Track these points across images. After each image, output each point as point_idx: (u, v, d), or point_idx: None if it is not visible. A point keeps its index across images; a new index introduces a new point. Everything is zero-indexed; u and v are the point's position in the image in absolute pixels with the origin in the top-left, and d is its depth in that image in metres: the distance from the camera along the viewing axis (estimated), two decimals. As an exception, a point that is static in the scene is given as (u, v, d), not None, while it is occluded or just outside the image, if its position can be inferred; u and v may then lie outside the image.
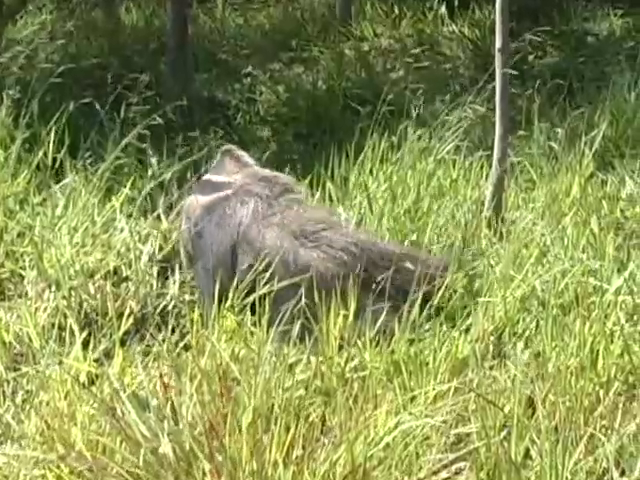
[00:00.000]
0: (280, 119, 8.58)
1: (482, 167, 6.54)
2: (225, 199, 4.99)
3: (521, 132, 7.15)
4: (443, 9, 10.39)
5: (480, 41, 9.75)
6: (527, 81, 8.55)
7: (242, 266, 4.73)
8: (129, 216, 5.53)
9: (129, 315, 4.75)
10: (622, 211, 6.01)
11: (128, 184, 5.82)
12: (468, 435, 3.99)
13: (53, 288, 4.93)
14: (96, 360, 4.43)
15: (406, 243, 5.43)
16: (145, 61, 9.21)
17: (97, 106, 6.80)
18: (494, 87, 5.98)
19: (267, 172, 5.20)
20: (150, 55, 9.46)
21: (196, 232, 5.05)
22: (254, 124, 8.50)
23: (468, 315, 4.74)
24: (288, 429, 3.77)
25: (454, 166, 6.50)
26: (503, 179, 5.95)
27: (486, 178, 6.37)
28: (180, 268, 5.18)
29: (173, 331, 4.67)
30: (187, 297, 5.04)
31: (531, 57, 9.34)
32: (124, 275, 5.12)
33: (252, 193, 4.94)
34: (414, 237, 5.52)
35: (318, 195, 5.99)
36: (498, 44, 5.80)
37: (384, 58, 9.92)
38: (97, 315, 4.79)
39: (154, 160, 6.36)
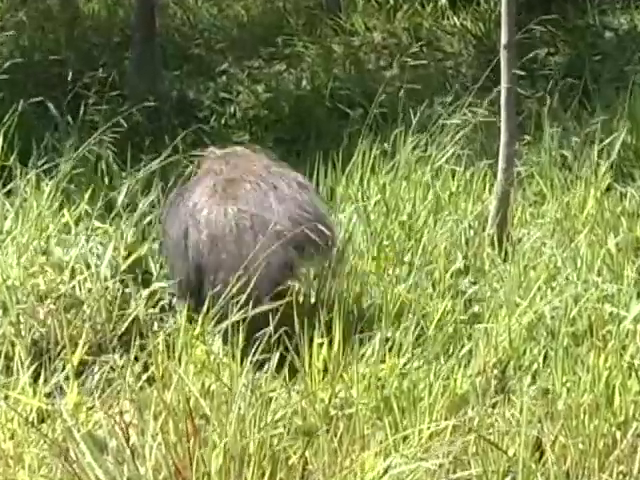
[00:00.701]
0: (259, 122, 8.59)
1: (485, 178, 6.56)
2: (186, 188, 5.22)
3: (529, 138, 7.18)
4: (444, 0, 10.44)
5: (485, 36, 9.78)
6: (537, 81, 8.58)
7: (190, 243, 4.95)
8: (86, 230, 5.53)
9: (85, 343, 4.74)
10: (643, 229, 6.04)
11: (86, 195, 5.82)
12: (468, 481, 3.99)
13: (0, 313, 4.92)
14: (47, 395, 4.42)
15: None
16: (107, 56, 9.21)
17: (52, 107, 6.80)
18: (499, 88, 6.01)
19: (228, 149, 5.45)
20: (113, 49, 9.45)
21: (163, 230, 5.28)
22: (230, 128, 8.51)
23: (468, 344, 4.76)
24: (264, 473, 3.76)
25: (454, 177, 6.52)
26: (509, 192, 5.97)
27: (490, 191, 6.40)
28: (143, 284, 5.21)
29: (136, 360, 4.66)
30: (155, 324, 5.04)
31: (541, 54, 9.38)
32: (80, 297, 5.11)
33: (211, 171, 5.16)
34: (409, 256, 5.54)
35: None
36: (504, 40, 5.83)
37: (377, 55, 9.95)
38: (49, 343, 4.77)
39: (116, 168, 6.37)
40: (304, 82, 9.16)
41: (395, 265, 5.43)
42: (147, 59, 8.69)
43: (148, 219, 5.69)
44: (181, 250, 5.01)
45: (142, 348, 4.77)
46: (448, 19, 10.33)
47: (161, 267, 5.35)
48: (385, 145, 6.73)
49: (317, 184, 6.35)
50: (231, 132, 8.46)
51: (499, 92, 6.05)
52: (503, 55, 5.83)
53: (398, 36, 10.21)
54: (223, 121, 8.53)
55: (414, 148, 6.60)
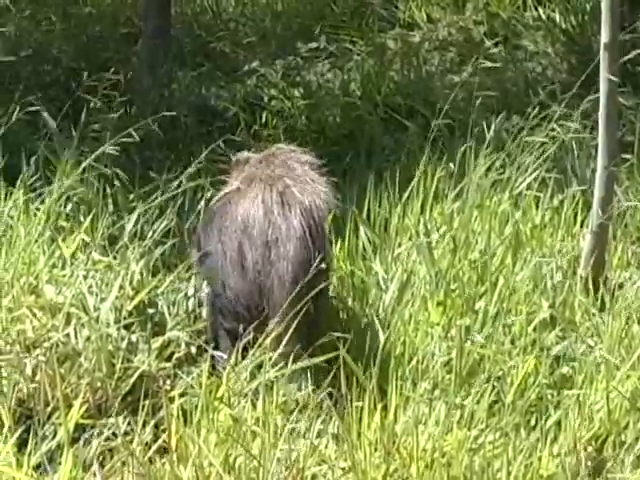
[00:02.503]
0: (296, 135, 8.60)
1: (577, 208, 6.56)
2: (225, 203, 5.46)
3: (633, 160, 7.17)
4: (526, -13, 10.47)
5: (577, 33, 9.80)
6: (641, 89, 8.60)
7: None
8: (85, 264, 5.57)
9: (82, 403, 4.76)
10: None
11: (86, 222, 5.87)
12: None
13: (-21, 366, 4.97)
14: (36, 467, 4.45)
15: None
16: (111, 51, 9.29)
17: (45, 114, 6.86)
18: (596, 97, 6.02)
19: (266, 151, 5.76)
20: (119, 43, 9.55)
21: (202, 255, 5.48)
22: (260, 140, 8.55)
23: (555, 415, 4.75)
24: None
25: (538, 206, 6.52)
26: (607, 226, 5.96)
27: (583, 224, 6.39)
28: (153, 331, 5.26)
29: (144, 426, 4.68)
30: (168, 381, 5.06)
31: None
32: (76, 347, 5.14)
33: (255, 178, 5.44)
34: (482, 303, 5.54)
35: (347, 243, 6.04)
36: (604, 37, 5.84)
37: (441, 53, 9.98)
38: (38, 404, 4.80)
39: (122, 189, 6.42)
40: (352, 86, 9.20)
41: (465, 314, 5.43)
42: (160, 56, 8.76)
43: (160, 250, 5.73)
44: (237, 268, 5.26)
45: (152, 411, 4.80)
46: (531, 10, 10.35)
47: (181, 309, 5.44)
48: (451, 165, 6.74)
49: (368, 212, 6.38)
50: (262, 146, 8.50)
51: (595, 102, 6.05)
52: (603, 56, 5.83)
53: (468, 31, 10.24)
54: (252, 132, 8.57)
55: (488, 169, 6.61)
